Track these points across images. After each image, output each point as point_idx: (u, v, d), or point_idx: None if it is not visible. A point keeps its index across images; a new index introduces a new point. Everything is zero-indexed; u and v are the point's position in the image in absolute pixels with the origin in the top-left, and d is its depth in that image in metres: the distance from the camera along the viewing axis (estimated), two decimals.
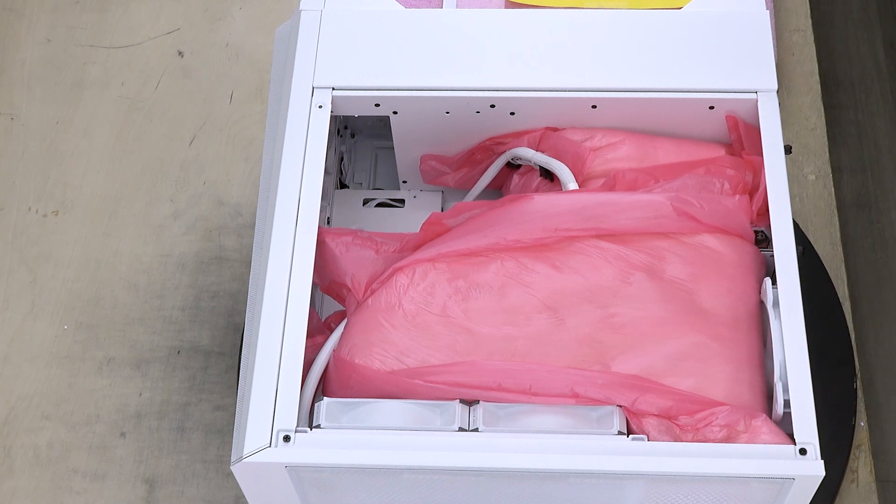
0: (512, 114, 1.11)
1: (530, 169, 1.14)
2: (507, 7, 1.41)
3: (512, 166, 1.15)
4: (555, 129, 1.13)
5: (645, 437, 0.92)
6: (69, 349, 1.35)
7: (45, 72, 1.55)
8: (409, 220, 1.19)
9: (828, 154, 1.41)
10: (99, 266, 1.41)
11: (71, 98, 1.53)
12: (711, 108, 1.10)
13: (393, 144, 1.16)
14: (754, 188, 1.08)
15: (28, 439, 1.30)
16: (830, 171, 1.40)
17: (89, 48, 1.57)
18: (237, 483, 0.94)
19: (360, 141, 1.17)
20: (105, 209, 1.44)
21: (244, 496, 0.97)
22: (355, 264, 1.03)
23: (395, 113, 1.12)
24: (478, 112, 1.12)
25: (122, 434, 1.30)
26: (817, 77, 1.46)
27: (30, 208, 1.45)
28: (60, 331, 1.37)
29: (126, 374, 1.34)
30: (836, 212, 1.37)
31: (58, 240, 1.42)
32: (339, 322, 1.03)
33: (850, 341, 1.27)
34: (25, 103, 1.53)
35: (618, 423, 0.93)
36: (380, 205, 1.21)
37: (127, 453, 1.29)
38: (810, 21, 1.50)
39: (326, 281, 1.05)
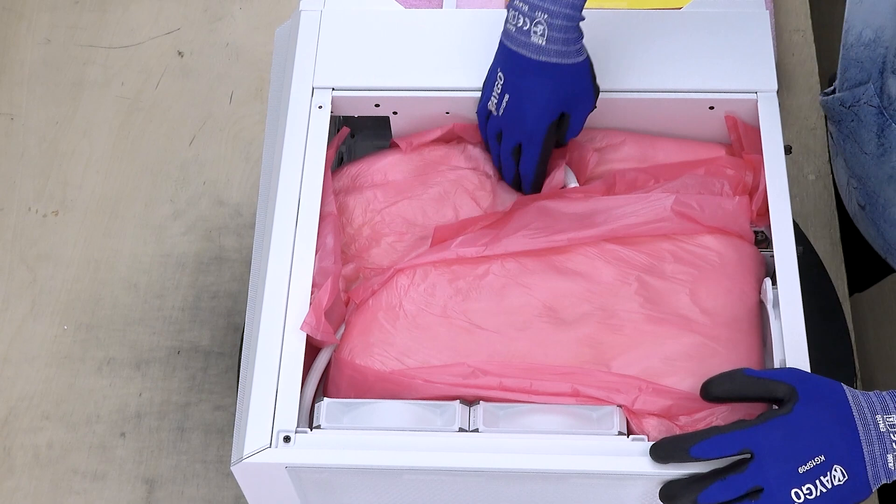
0: None
1: None
2: (507, 7, 1.41)
3: None
4: None
5: (645, 437, 0.92)
6: (69, 349, 1.35)
7: (44, 72, 1.55)
8: None
9: (827, 154, 1.41)
10: (99, 266, 1.41)
11: (71, 98, 1.53)
12: (711, 108, 1.10)
13: (390, 145, 1.16)
14: (754, 188, 1.08)
15: (28, 439, 1.30)
16: (830, 171, 1.39)
17: (89, 48, 1.57)
18: (237, 483, 0.94)
19: (359, 141, 1.17)
20: (105, 209, 1.44)
21: (244, 496, 0.97)
22: None
23: (395, 113, 1.12)
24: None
25: (122, 434, 1.30)
26: (817, 77, 1.46)
27: (30, 208, 1.45)
28: (60, 331, 1.36)
29: (126, 375, 1.34)
30: (836, 212, 1.37)
31: (58, 240, 1.42)
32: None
33: (850, 341, 1.26)
34: (25, 103, 1.53)
35: (618, 423, 0.93)
36: None
37: (127, 453, 1.29)
38: (810, 21, 1.50)
39: None
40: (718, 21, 1.12)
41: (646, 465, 0.90)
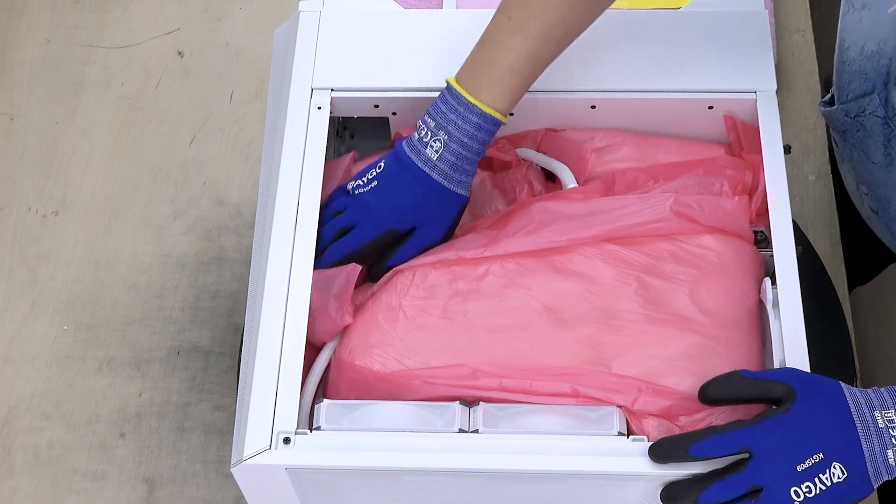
0: (511, 114, 1.11)
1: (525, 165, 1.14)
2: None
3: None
4: (554, 131, 1.13)
5: (645, 437, 0.92)
6: (69, 349, 1.35)
7: (44, 72, 1.55)
8: None
9: (828, 154, 1.41)
10: (99, 266, 1.41)
11: (71, 98, 1.53)
12: (710, 108, 1.10)
13: (391, 146, 1.15)
14: (753, 188, 1.08)
15: (28, 439, 1.30)
16: (830, 171, 1.39)
17: (89, 48, 1.57)
18: (237, 483, 0.94)
19: (359, 142, 1.17)
20: (105, 209, 1.44)
21: (244, 496, 0.97)
22: None
23: (394, 114, 1.12)
24: None
25: (122, 434, 1.30)
26: (817, 77, 1.46)
27: (30, 208, 1.45)
28: (60, 331, 1.37)
29: (126, 375, 1.34)
30: (835, 212, 1.37)
31: (58, 240, 1.42)
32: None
33: (850, 341, 1.26)
34: (25, 103, 1.53)
35: (618, 423, 0.93)
36: None
37: (127, 453, 1.29)
38: (810, 21, 1.50)
39: None
40: (717, 21, 1.12)
41: (646, 465, 0.90)
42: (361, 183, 1.05)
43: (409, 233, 1.04)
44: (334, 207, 1.06)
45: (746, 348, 0.99)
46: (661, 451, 0.90)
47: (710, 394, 0.92)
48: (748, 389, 0.91)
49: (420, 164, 1.02)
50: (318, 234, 1.03)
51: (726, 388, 0.92)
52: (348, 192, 1.05)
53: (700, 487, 0.88)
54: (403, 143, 1.04)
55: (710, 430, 0.89)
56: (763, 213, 1.05)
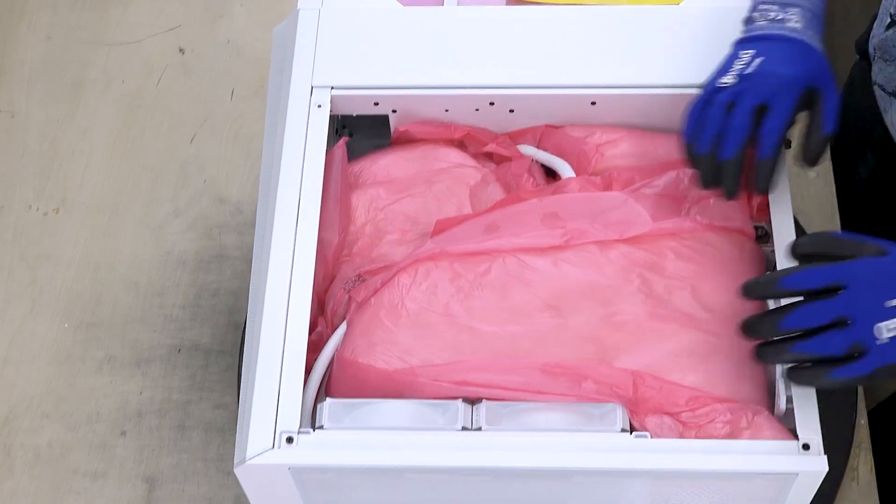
0: (511, 111, 1.11)
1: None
2: (508, 4, 1.41)
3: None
4: (554, 127, 1.13)
5: (648, 434, 0.92)
6: (69, 348, 1.35)
7: (45, 69, 1.55)
8: None
9: (829, 151, 1.41)
10: (99, 264, 1.40)
11: (71, 96, 1.53)
12: None
13: (390, 143, 1.15)
14: None
15: (28, 439, 1.30)
16: (832, 167, 1.39)
17: (90, 46, 1.56)
18: (238, 481, 0.94)
19: (357, 140, 1.17)
20: (105, 207, 1.44)
21: (244, 495, 0.97)
22: None
23: (394, 111, 1.12)
24: (477, 110, 1.12)
25: (123, 433, 1.30)
26: None
27: (30, 207, 1.45)
28: (61, 329, 1.36)
29: (126, 373, 1.33)
30: (836, 209, 1.37)
31: (58, 238, 1.42)
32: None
33: None
34: (26, 101, 1.53)
35: (621, 420, 0.93)
36: None
37: (127, 452, 1.29)
38: None
39: None
40: (716, 16, 1.12)
41: (649, 461, 0.90)
42: (740, 67, 1.02)
43: (817, 96, 1.02)
44: (721, 101, 1.00)
45: (749, 344, 0.99)
46: (752, 286, 0.90)
47: (803, 248, 0.91)
48: (843, 247, 0.90)
49: (788, 34, 1.03)
50: (723, 133, 0.99)
51: (822, 243, 0.91)
52: (724, 85, 1.01)
53: (782, 314, 0.87)
54: (752, 28, 1.05)
55: (804, 265, 0.89)
56: (763, 208, 1.05)
